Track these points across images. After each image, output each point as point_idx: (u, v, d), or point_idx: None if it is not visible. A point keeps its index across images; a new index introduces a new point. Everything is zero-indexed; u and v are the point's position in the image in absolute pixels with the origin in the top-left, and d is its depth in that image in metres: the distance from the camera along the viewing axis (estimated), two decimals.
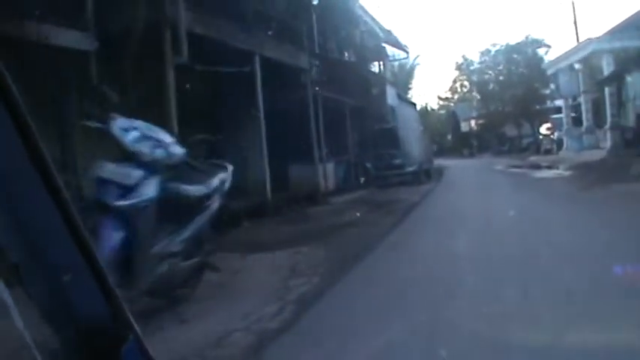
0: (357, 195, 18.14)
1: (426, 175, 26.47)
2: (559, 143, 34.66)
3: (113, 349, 0.94)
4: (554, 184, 17.31)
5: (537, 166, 28.72)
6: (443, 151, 61.18)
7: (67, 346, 0.94)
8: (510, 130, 50.60)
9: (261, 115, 13.44)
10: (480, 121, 57.35)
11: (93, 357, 0.94)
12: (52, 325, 0.93)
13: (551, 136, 36.92)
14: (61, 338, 0.94)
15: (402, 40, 35.83)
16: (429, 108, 68.31)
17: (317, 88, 16.89)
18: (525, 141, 47.26)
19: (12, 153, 0.82)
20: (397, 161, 22.75)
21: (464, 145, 58.72)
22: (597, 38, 26.14)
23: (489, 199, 14.76)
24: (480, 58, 44.97)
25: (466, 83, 59.27)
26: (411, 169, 23.05)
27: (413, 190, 19.69)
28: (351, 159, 19.57)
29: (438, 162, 42.08)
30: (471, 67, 50.31)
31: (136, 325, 0.97)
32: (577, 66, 29.19)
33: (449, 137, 67.93)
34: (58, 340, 0.94)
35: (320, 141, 16.85)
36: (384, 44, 30.53)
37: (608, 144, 26.03)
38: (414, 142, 24.39)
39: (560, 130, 34.86)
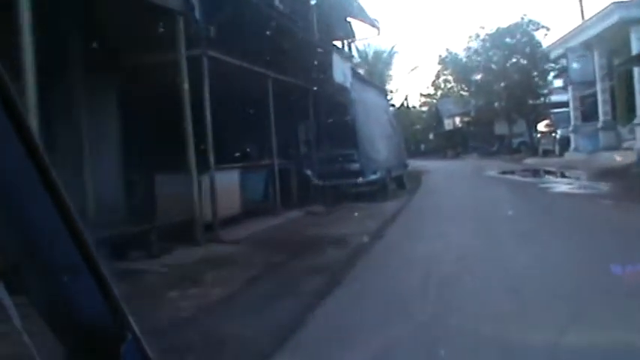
0: (277, 222, 11.12)
1: (398, 184, 19.49)
2: (563, 143, 27.78)
3: (112, 349, 0.93)
4: (600, 209, 10.32)
5: (540, 173, 21.87)
6: (425, 152, 54.30)
7: (67, 346, 0.93)
8: (500, 128, 43.58)
9: (28, 82, 6.28)
10: (466, 119, 50.44)
11: (92, 356, 0.93)
12: (52, 325, 0.91)
13: (553, 135, 29.95)
14: (60, 338, 0.92)
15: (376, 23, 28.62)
16: (409, 104, 61.19)
17: (203, 48, 9.83)
18: (517, 140, 40.52)
19: (11, 153, 0.80)
20: (353, 167, 15.78)
21: (447, 144, 51.85)
22: (625, 3, 19.29)
23: (503, 242, 7.78)
24: (467, 43, 37.72)
25: (450, 78, 53.03)
26: (373, 177, 16.06)
27: (371, 211, 12.70)
28: (274, 164, 12.49)
29: (418, 164, 35.08)
30: (456, 59, 42.94)
31: (134, 325, 0.95)
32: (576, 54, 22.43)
33: (431, 136, 61.08)
34: (58, 340, 0.92)
35: (206, 136, 9.76)
36: (348, 19, 23.53)
37: (638, 144, 19.16)
38: (380, 140, 17.38)
39: (564, 127, 27.96)
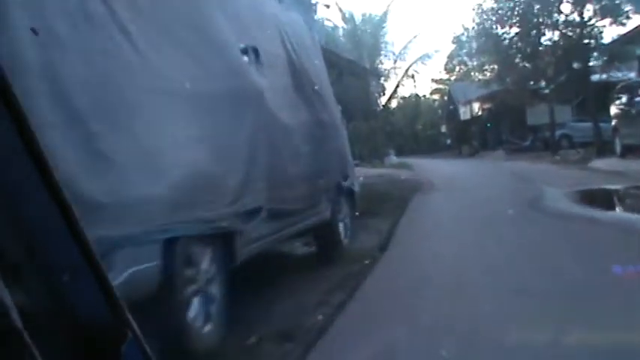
0: None
1: (326, 241, 6.64)
2: None
3: (113, 348, 0.89)
4: None
5: None
6: (435, 149, 40.89)
7: (67, 345, 0.90)
8: (534, 116, 29.55)
9: None
10: (486, 105, 36.98)
11: (93, 356, 0.90)
12: (53, 325, 0.89)
13: None
14: (61, 338, 0.89)
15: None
16: (417, 92, 48.10)
17: None
18: (559, 132, 27.44)
19: (11, 152, 0.78)
20: None
21: (463, 139, 38.43)
22: None
23: None
24: None
25: (466, 59, 41.41)
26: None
27: None
28: None
29: (421, 167, 21.95)
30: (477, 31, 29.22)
31: (135, 324, 0.92)
32: None
33: (443, 129, 47.76)
34: (58, 340, 0.89)
35: None
36: None
37: None
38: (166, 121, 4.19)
39: None
